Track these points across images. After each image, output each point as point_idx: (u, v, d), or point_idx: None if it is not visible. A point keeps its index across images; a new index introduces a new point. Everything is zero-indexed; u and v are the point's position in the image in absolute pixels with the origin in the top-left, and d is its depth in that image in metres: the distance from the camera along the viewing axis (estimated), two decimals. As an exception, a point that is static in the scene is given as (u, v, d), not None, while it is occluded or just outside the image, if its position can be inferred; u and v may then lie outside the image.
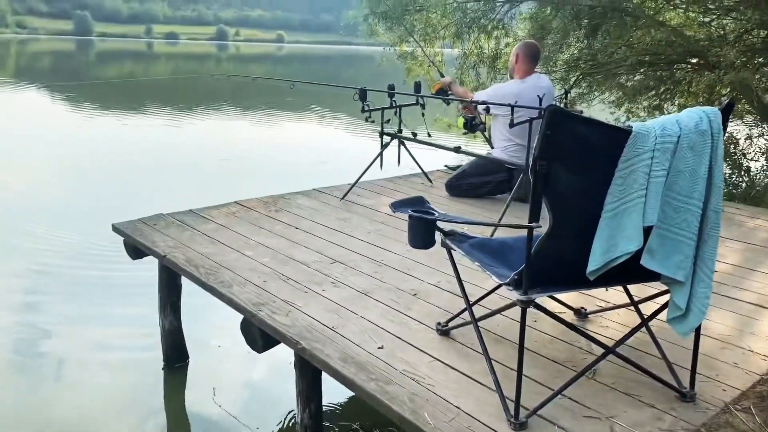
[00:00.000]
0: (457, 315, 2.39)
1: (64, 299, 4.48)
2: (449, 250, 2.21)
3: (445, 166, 5.40)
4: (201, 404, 3.29)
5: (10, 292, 4.61)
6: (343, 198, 4.30)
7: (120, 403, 3.25)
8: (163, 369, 3.51)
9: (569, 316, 2.53)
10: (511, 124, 3.48)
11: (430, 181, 4.85)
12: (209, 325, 3.98)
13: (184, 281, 3.39)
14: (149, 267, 3.57)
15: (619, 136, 1.72)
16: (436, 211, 2.08)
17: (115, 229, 3.49)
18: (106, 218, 3.82)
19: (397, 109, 4.31)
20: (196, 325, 3.79)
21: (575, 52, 7.15)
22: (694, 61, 6.36)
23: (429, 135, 4.37)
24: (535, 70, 4.27)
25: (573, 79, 7.03)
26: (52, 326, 4.04)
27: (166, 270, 3.31)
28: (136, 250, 3.38)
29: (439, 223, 2.12)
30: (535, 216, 1.67)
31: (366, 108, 4.23)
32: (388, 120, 4.35)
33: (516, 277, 1.79)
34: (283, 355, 3.04)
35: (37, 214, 6.58)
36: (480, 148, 5.41)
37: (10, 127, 12.98)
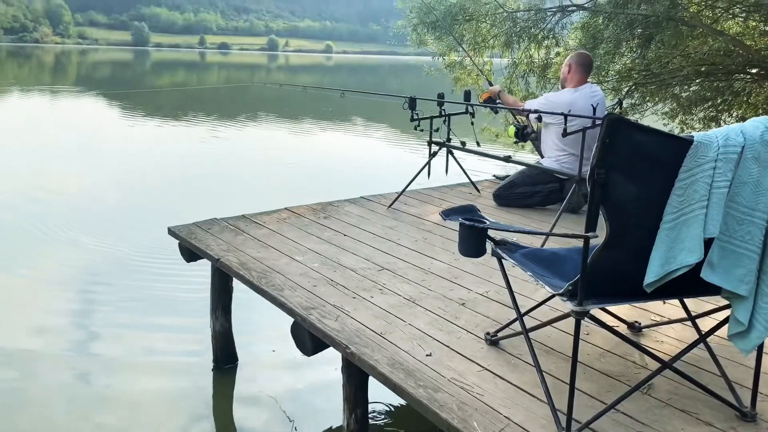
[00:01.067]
0: (508, 325, 2.37)
1: (118, 301, 4.61)
2: (500, 260, 2.20)
3: (494, 175, 5.37)
4: (248, 406, 3.35)
5: (65, 293, 4.78)
6: (390, 206, 4.32)
7: (169, 404, 3.33)
8: (212, 371, 3.59)
9: (622, 330, 2.48)
10: (564, 134, 3.44)
11: (478, 190, 4.83)
12: (258, 328, 4.05)
13: (236, 285, 3.47)
14: (201, 272, 3.67)
15: (679, 146, 1.68)
16: (487, 219, 2.07)
17: (171, 232, 3.59)
18: (161, 222, 3.93)
19: (446, 118, 4.32)
20: (245, 328, 3.87)
21: (628, 62, 7.01)
22: (754, 71, 6.15)
23: (478, 144, 4.36)
24: (587, 80, 4.22)
25: (625, 90, 6.89)
26: (104, 328, 4.15)
27: (219, 273, 3.39)
28: (190, 253, 3.47)
29: (490, 232, 2.11)
30: (592, 225, 1.64)
31: (415, 117, 4.25)
32: (437, 129, 4.36)
33: (570, 287, 1.76)
34: (330, 360, 3.08)
35: (93, 218, 6.83)
36: (529, 158, 5.36)
37: (69, 133, 13.55)
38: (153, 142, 12.78)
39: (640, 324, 2.52)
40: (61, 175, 9.03)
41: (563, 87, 4.25)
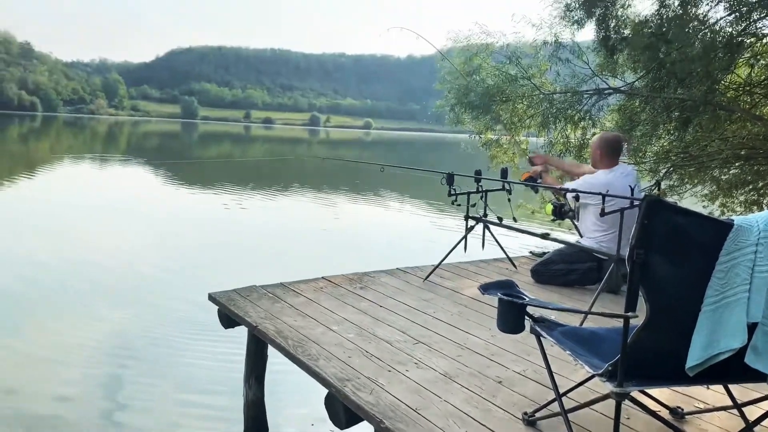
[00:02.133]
0: (546, 405, 2.32)
1: (152, 366, 4.64)
2: (539, 337, 2.19)
3: (531, 252, 5.36)
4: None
5: (101, 354, 4.85)
6: (426, 278, 4.34)
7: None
8: (243, 440, 3.56)
9: (665, 415, 2.40)
10: (602, 213, 3.45)
11: (515, 266, 4.82)
12: (291, 398, 4.02)
13: (270, 353, 3.49)
14: (237, 338, 3.71)
15: (719, 229, 1.70)
16: (526, 295, 2.09)
17: (211, 298, 3.66)
18: (200, 287, 4.02)
19: (484, 193, 4.39)
20: (278, 397, 3.85)
21: (665, 143, 7.04)
22: (797, 155, 6.11)
23: (515, 220, 4.39)
24: (619, 161, 4.26)
25: (663, 171, 6.89)
26: (136, 393, 4.17)
27: (255, 340, 3.43)
28: (228, 320, 3.53)
29: (529, 309, 2.12)
30: (631, 305, 1.65)
31: (453, 192, 4.32)
32: (474, 204, 4.42)
33: (610, 368, 1.75)
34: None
35: (133, 281, 6.99)
36: (567, 235, 5.35)
37: (117, 198, 14.09)
38: (195, 209, 13.17)
39: (682, 410, 2.43)
40: (104, 239, 9.34)
41: (595, 167, 4.29)
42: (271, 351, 3.39)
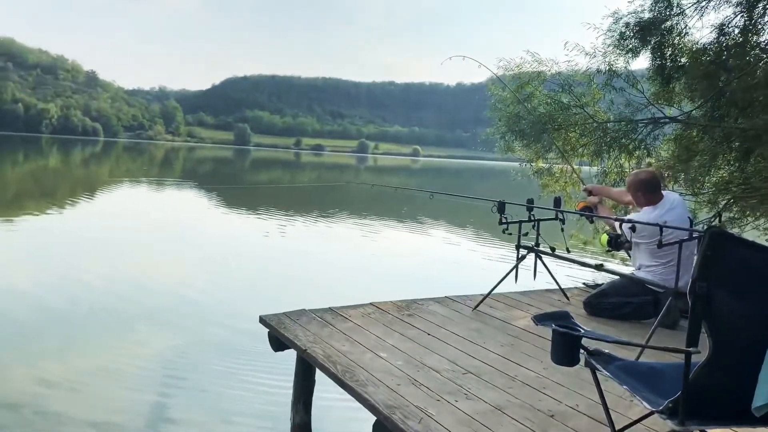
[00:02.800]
0: (600, 441, 2.25)
1: (202, 388, 4.70)
2: (594, 371, 2.13)
3: (584, 283, 5.24)
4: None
5: (147, 377, 4.94)
6: (475, 308, 4.29)
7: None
8: (289, 465, 3.56)
9: (729, 458, 2.28)
10: (660, 245, 3.36)
11: (567, 297, 4.72)
12: (337, 424, 4.01)
13: (318, 377, 3.50)
14: (285, 363, 3.73)
15: (788, 263, 1.63)
16: (581, 327, 2.04)
17: (262, 320, 3.72)
18: (250, 311, 4.07)
19: (536, 222, 4.33)
20: (324, 423, 3.84)
21: (725, 174, 6.82)
22: None
23: (568, 251, 4.31)
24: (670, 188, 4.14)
25: (723, 203, 6.67)
26: (184, 415, 4.21)
27: (304, 364, 3.45)
28: (278, 343, 3.57)
29: (584, 341, 2.06)
30: (693, 340, 1.59)
31: (504, 220, 4.29)
32: (525, 233, 4.36)
33: (671, 405, 1.68)
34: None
35: (184, 304, 7.14)
36: (621, 267, 5.22)
37: (169, 221, 14.53)
38: (246, 233, 13.43)
39: (748, 454, 2.31)
40: (156, 261, 9.61)
41: (640, 206, 4.15)
42: (319, 376, 3.40)
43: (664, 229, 3.44)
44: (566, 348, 1.96)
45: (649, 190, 4.04)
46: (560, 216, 4.35)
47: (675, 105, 7.31)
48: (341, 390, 2.92)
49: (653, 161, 7.62)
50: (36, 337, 5.55)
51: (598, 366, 2.09)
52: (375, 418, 2.63)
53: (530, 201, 4.31)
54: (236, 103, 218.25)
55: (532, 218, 4.32)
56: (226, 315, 6.67)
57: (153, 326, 6.20)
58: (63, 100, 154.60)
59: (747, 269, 1.63)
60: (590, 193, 4.62)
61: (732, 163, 6.73)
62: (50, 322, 6.05)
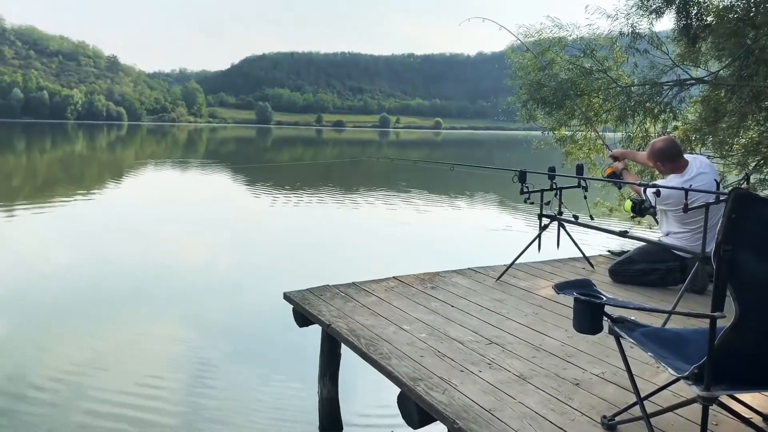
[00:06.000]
0: (626, 409, 2.23)
1: (229, 362, 4.79)
2: (618, 338, 2.10)
3: (608, 251, 5.18)
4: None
5: (183, 351, 5.06)
6: (498, 278, 4.27)
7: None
8: (318, 437, 3.62)
9: (757, 422, 2.25)
10: (686, 209, 3.29)
11: (592, 265, 4.67)
12: (364, 396, 4.06)
13: (343, 352, 3.53)
14: (311, 336, 3.77)
15: (817, 223, 1.58)
16: (604, 295, 2.01)
17: (286, 297, 3.75)
18: (275, 287, 4.11)
19: (558, 191, 4.27)
20: (351, 395, 3.89)
21: (755, 135, 6.63)
22: None
23: (591, 218, 4.25)
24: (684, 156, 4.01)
25: (753, 164, 6.49)
26: (211, 390, 4.30)
27: (329, 339, 3.48)
28: (303, 318, 3.60)
29: (608, 309, 2.04)
30: (719, 304, 1.56)
31: (525, 190, 4.23)
32: (548, 202, 4.30)
33: (696, 370, 1.66)
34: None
35: (211, 280, 7.26)
36: (647, 233, 5.13)
37: (194, 201, 14.70)
38: (271, 211, 13.53)
39: (778, 418, 2.28)
40: (181, 240, 9.76)
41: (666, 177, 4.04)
42: (344, 350, 3.44)
43: (690, 193, 3.36)
44: (588, 316, 1.94)
45: (669, 158, 3.94)
46: (583, 183, 4.27)
47: (701, 66, 7.10)
48: (367, 363, 2.95)
49: (680, 124, 7.43)
50: (67, 317, 5.70)
51: (622, 333, 2.07)
52: (399, 390, 2.64)
53: (552, 169, 4.24)
54: (256, 82, 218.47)
55: (554, 186, 4.26)
56: (251, 291, 6.76)
57: (179, 304, 6.31)
58: (86, 86, 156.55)
59: (774, 231, 1.59)
60: (616, 159, 4.52)
61: (762, 123, 6.54)
62: (80, 302, 6.20)
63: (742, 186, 4.27)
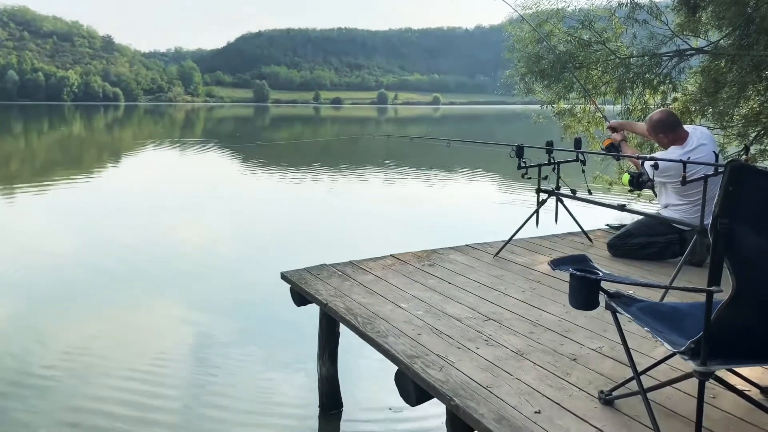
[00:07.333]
0: (623, 384, 2.23)
1: (229, 343, 4.81)
2: (614, 313, 2.09)
3: (607, 225, 5.15)
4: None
5: (184, 333, 5.07)
6: (496, 255, 4.26)
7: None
8: (318, 416, 3.63)
9: (755, 395, 2.25)
10: (684, 181, 3.26)
11: (590, 240, 4.65)
12: (363, 374, 4.07)
13: (342, 330, 3.53)
14: (311, 317, 3.78)
15: (816, 195, 1.55)
16: (600, 270, 1.99)
17: (284, 276, 3.74)
18: (273, 266, 4.10)
19: (556, 165, 4.23)
20: (351, 374, 3.91)
21: (755, 106, 6.57)
22: None
23: (589, 192, 4.22)
24: (683, 127, 3.97)
25: (753, 135, 6.44)
26: (212, 369, 4.32)
27: (327, 317, 3.48)
28: (300, 298, 3.59)
29: (604, 284, 2.02)
30: (715, 279, 1.53)
31: (522, 165, 4.19)
32: (546, 177, 4.27)
33: (693, 345, 1.64)
34: (436, 410, 3.03)
35: (209, 260, 7.26)
36: (646, 207, 5.10)
37: (192, 181, 14.65)
38: (269, 191, 13.49)
39: (776, 390, 2.28)
40: (180, 221, 9.75)
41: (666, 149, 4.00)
42: (343, 328, 3.43)
43: (688, 165, 3.32)
44: (584, 292, 1.92)
45: (669, 128, 3.90)
46: (581, 157, 4.23)
47: (701, 35, 7.00)
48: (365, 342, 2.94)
49: (679, 95, 7.36)
50: (66, 299, 5.71)
51: (618, 308, 2.05)
52: (397, 368, 2.64)
53: (549, 143, 4.19)
54: (253, 60, 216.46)
55: (552, 161, 4.22)
56: (248, 272, 6.76)
57: (177, 284, 6.34)
58: (82, 67, 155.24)
59: (772, 203, 1.56)
60: (614, 130, 4.47)
61: (762, 92, 6.47)
62: (78, 283, 6.21)
63: (742, 157, 4.23)
